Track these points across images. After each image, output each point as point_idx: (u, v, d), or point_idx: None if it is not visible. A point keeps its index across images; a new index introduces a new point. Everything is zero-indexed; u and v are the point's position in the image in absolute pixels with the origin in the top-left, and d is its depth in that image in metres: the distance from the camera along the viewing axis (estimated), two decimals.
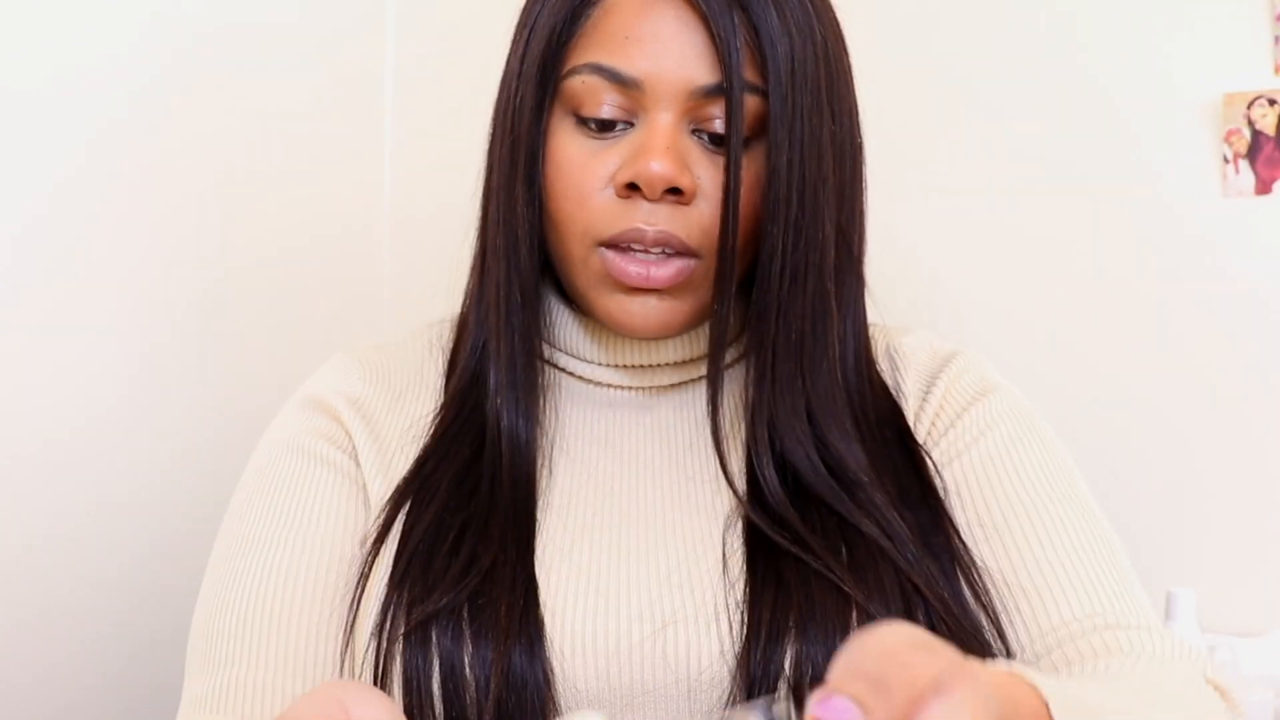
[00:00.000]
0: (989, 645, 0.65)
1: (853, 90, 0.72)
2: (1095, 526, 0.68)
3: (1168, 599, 1.28)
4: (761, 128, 0.67)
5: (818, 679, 0.60)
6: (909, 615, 0.63)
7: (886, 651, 0.36)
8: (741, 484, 0.69)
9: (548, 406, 0.74)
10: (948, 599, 0.64)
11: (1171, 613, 1.27)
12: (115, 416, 1.05)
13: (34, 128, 0.97)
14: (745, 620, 0.63)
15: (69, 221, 1.01)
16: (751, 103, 0.66)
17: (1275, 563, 1.38)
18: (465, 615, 0.62)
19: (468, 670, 0.61)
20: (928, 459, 0.71)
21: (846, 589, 0.62)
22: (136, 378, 1.08)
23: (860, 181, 0.73)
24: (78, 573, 1.01)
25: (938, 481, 0.70)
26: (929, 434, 0.73)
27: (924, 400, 0.74)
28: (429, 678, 0.61)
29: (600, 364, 0.75)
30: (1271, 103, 1.38)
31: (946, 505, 0.70)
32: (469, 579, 0.63)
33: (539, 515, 0.68)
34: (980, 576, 0.66)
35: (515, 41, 0.72)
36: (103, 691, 1.04)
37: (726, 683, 0.62)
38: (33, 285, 0.98)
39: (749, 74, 0.65)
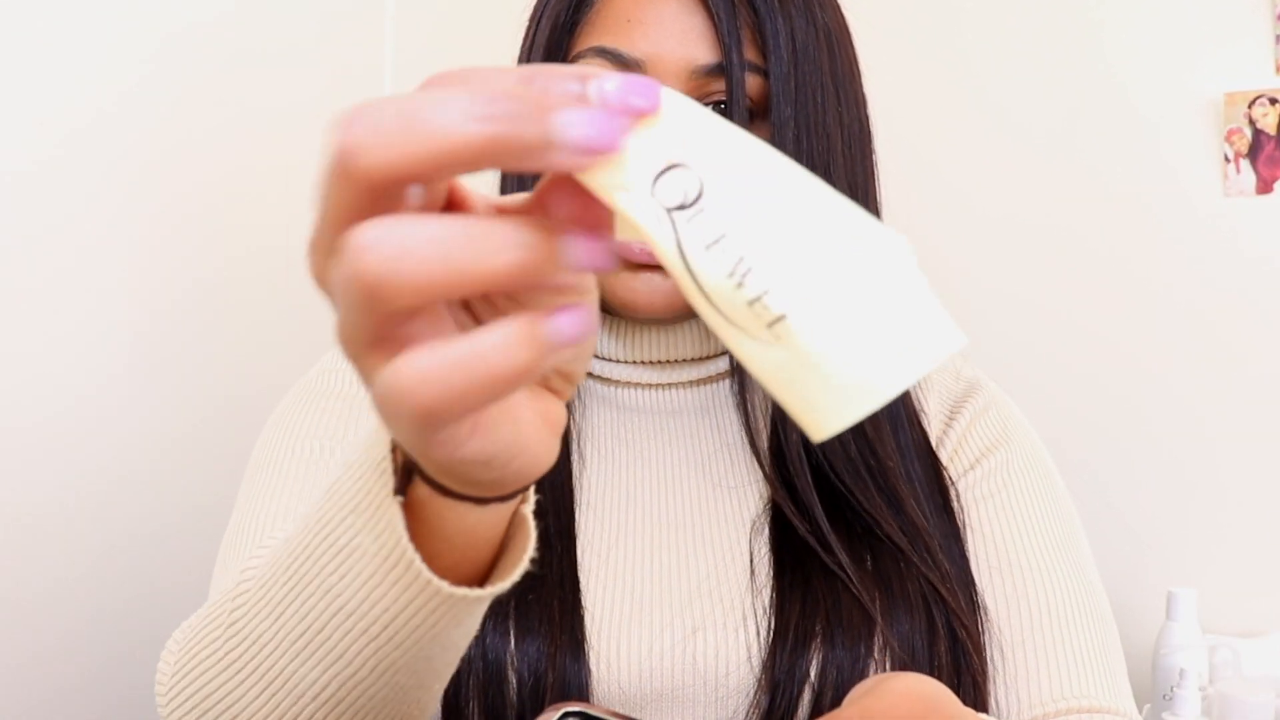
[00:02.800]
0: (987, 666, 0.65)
1: (859, 80, 0.72)
2: (1095, 603, 0.69)
3: (1168, 599, 1.28)
4: (766, 108, 0.67)
5: (842, 687, 0.60)
6: (931, 626, 0.63)
7: (877, 707, 0.37)
8: (779, 483, 0.69)
9: (574, 401, 0.74)
10: (966, 609, 0.65)
11: (1172, 613, 1.27)
12: (110, 415, 1.05)
13: (31, 122, 0.97)
14: (771, 625, 0.63)
15: (67, 219, 1.00)
16: (754, 82, 0.66)
17: (1276, 563, 1.38)
18: (512, 610, 0.62)
19: (509, 667, 0.61)
20: (950, 483, 0.72)
21: (869, 608, 0.62)
22: (132, 375, 1.08)
23: (872, 169, 0.73)
24: (65, 565, 1.01)
25: (955, 503, 0.71)
26: (949, 465, 0.73)
27: (946, 428, 0.75)
28: (470, 672, 0.61)
29: (619, 361, 0.75)
30: (1273, 102, 1.38)
31: (962, 533, 0.70)
32: (521, 576, 0.63)
33: (575, 513, 0.69)
34: (985, 615, 0.67)
35: (525, 33, 0.73)
36: (84, 685, 1.04)
37: (752, 688, 0.62)
38: (29, 278, 0.97)
39: (751, 54, 0.66)
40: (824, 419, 0.29)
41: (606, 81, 0.29)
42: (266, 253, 1.24)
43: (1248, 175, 1.40)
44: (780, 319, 0.29)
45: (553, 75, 0.30)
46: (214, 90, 1.17)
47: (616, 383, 0.76)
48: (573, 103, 0.29)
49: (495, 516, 0.40)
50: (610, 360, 0.76)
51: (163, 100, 1.10)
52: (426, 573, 0.39)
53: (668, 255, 0.30)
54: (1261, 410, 1.40)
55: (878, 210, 0.73)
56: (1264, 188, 1.39)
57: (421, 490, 0.39)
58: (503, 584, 0.40)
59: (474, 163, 0.29)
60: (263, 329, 1.23)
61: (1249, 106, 1.39)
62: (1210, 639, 1.27)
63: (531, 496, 0.41)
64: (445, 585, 0.39)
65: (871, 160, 0.73)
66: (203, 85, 1.15)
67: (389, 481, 0.39)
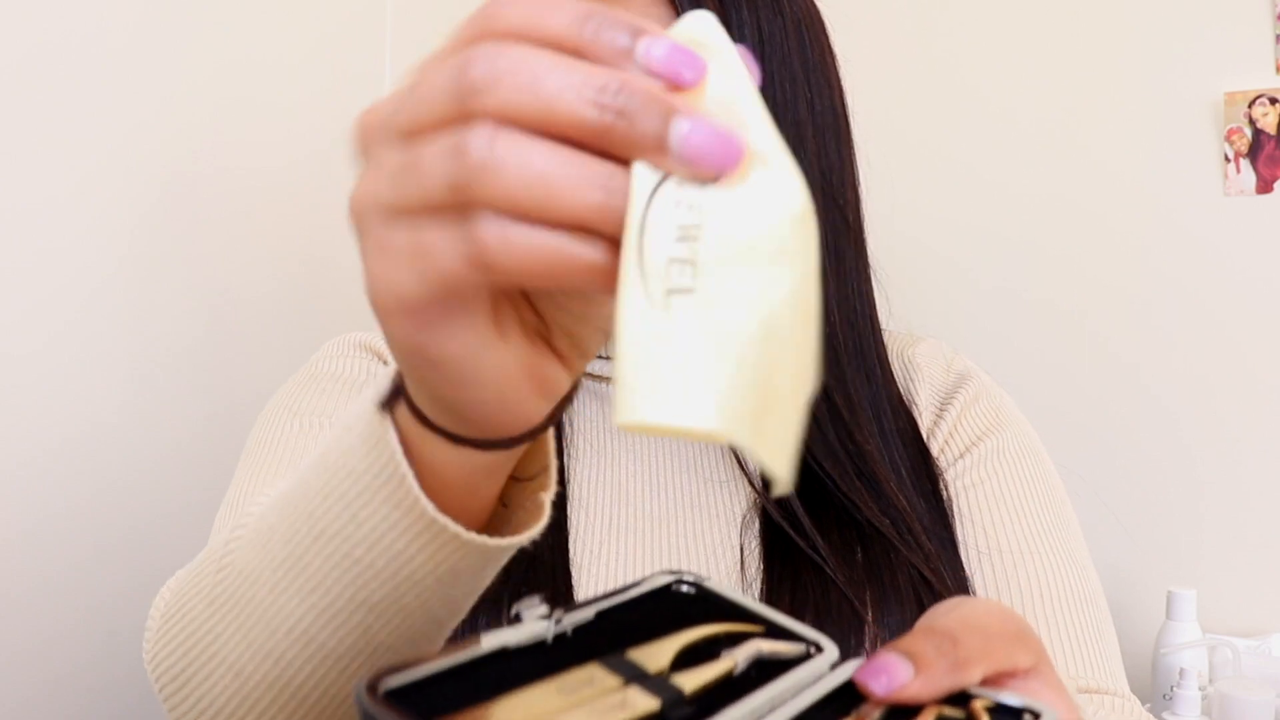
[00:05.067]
0: None
1: (833, 68, 0.72)
2: (1087, 586, 0.69)
3: (1168, 599, 1.28)
4: None
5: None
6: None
7: (972, 619, 0.36)
8: (758, 481, 0.69)
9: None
10: (953, 590, 0.65)
11: (1172, 613, 1.27)
12: (115, 420, 1.05)
13: (34, 129, 0.97)
14: None
15: (70, 216, 1.00)
16: None
17: (1275, 563, 1.38)
18: (505, 603, 0.62)
19: None
20: (940, 472, 0.72)
21: (858, 601, 0.62)
22: (136, 379, 1.07)
23: (849, 156, 0.72)
24: (64, 563, 1.01)
25: (944, 490, 0.71)
26: (940, 455, 0.73)
27: (938, 418, 0.75)
28: None
29: (607, 358, 0.76)
30: (1273, 101, 1.38)
31: (951, 520, 0.70)
32: (514, 568, 0.63)
33: (567, 506, 0.69)
34: (976, 594, 0.67)
35: None
36: (77, 676, 1.04)
37: None
38: (35, 281, 0.97)
39: None
40: (622, 407, 0.27)
41: (655, 47, 0.29)
42: (271, 254, 1.24)
43: (1248, 175, 1.40)
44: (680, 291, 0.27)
45: (607, 25, 0.29)
46: (216, 94, 1.17)
47: (603, 378, 0.76)
48: (622, 60, 0.29)
49: (495, 465, 0.40)
50: (601, 358, 0.76)
51: (164, 102, 1.10)
52: (454, 526, 0.39)
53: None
54: (1262, 410, 1.40)
55: (856, 197, 0.73)
56: (1264, 187, 1.39)
57: (423, 445, 0.38)
58: (530, 532, 0.40)
59: (583, 139, 0.28)
60: (266, 332, 1.23)
61: (1249, 106, 1.39)
62: (1210, 639, 1.27)
63: (552, 443, 0.42)
64: (477, 537, 0.39)
65: (848, 148, 0.72)
66: (205, 89, 1.15)
67: (393, 438, 0.38)
